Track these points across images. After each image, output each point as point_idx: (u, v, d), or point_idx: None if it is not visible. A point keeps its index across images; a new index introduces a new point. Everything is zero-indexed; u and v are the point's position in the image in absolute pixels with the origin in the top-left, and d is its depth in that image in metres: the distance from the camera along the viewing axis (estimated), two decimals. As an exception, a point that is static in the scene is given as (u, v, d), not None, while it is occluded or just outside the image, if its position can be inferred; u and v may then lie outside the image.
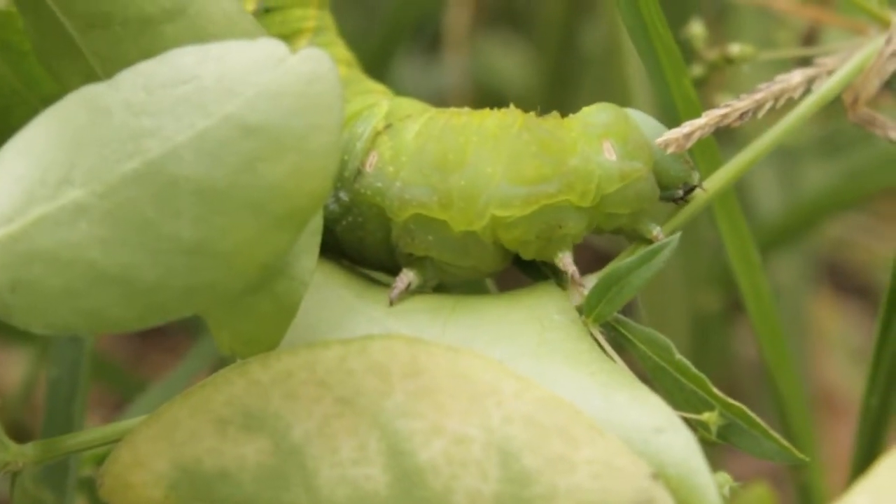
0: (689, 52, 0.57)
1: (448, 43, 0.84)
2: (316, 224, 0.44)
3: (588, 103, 0.87)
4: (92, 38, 0.44)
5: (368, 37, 0.83)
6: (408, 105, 0.49)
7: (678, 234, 0.46)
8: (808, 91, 0.48)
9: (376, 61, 0.81)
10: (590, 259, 0.50)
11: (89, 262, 0.39)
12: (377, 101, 0.49)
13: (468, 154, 0.46)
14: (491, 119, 0.47)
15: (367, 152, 0.48)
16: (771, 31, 0.69)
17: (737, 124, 0.47)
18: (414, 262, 0.48)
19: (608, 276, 0.46)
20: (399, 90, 0.88)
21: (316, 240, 0.44)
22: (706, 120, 0.47)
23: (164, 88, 0.41)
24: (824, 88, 0.48)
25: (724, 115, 0.47)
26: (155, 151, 0.40)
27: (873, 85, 0.48)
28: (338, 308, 0.46)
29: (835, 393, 0.92)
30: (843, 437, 0.75)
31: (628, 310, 0.47)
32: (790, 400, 0.56)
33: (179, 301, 0.40)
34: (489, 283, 0.51)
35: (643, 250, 0.46)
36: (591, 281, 0.46)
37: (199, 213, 0.40)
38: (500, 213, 0.46)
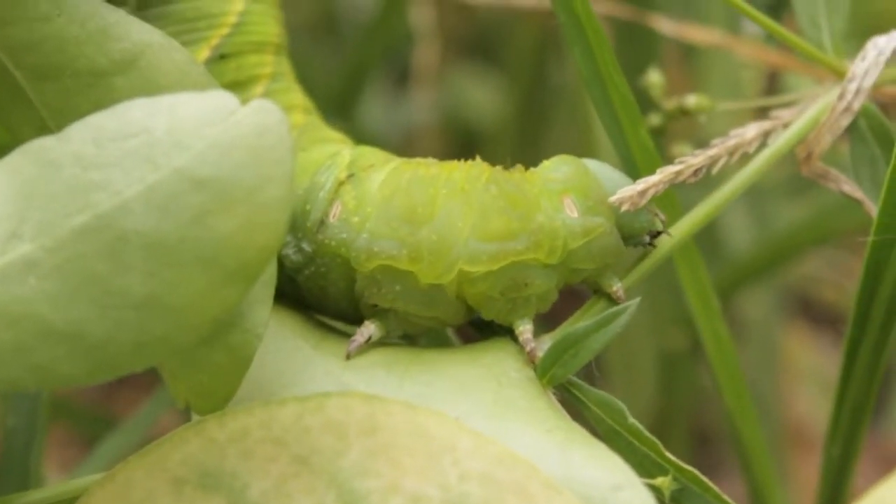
0: (648, 100, 0.57)
1: (416, 80, 0.83)
2: (269, 275, 0.44)
3: (559, 136, 0.88)
4: (43, 89, 0.44)
5: (336, 73, 0.83)
6: (370, 154, 0.49)
7: (637, 300, 0.46)
8: (763, 144, 0.48)
9: (344, 98, 0.81)
10: (563, 294, 0.49)
11: (38, 317, 0.39)
12: (338, 150, 0.49)
13: (437, 207, 0.46)
14: (458, 171, 0.47)
15: (330, 202, 0.47)
16: (737, 71, 0.69)
17: (692, 180, 0.47)
18: (377, 312, 0.47)
19: (564, 339, 0.46)
20: (367, 126, 0.88)
21: (269, 291, 0.44)
22: (660, 177, 0.47)
23: (113, 142, 0.40)
24: (778, 144, 0.49)
25: (679, 172, 0.47)
26: (104, 205, 0.40)
27: (826, 141, 0.48)
28: (294, 361, 0.46)
29: (806, 426, 0.92)
30: (813, 470, 0.75)
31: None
32: (752, 445, 0.56)
33: (130, 356, 0.40)
34: (449, 332, 0.51)
35: (601, 314, 0.46)
36: (547, 342, 0.46)
37: (149, 268, 0.39)
38: (468, 268, 0.46)
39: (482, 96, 0.98)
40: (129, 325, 0.39)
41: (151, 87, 0.44)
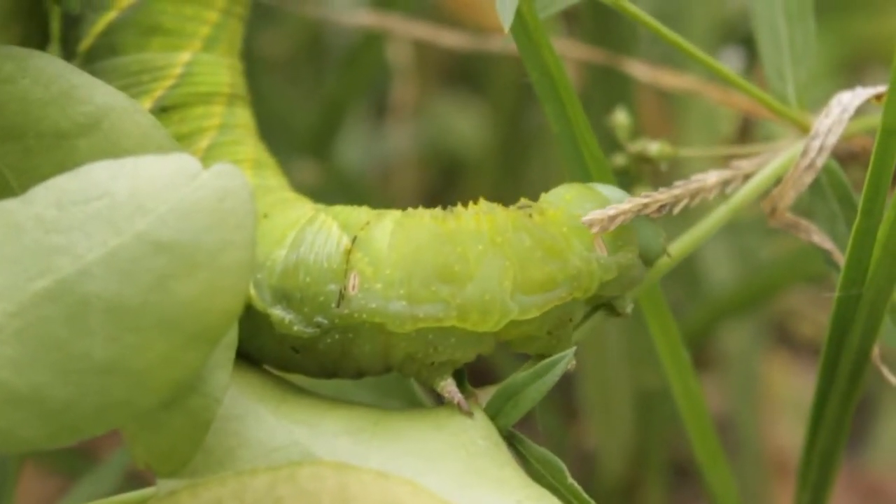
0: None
1: (394, 113, 0.83)
2: (230, 338, 0.44)
3: (541, 165, 0.88)
4: (5, 150, 0.44)
5: (314, 108, 0.83)
6: (352, 212, 0.48)
7: (573, 349, 0.46)
8: (722, 192, 0.49)
9: (322, 133, 0.81)
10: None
11: (0, 381, 0.39)
12: (304, 213, 0.48)
13: (474, 264, 0.46)
14: (479, 222, 0.46)
15: (343, 273, 0.46)
16: (714, 111, 0.69)
17: (656, 215, 0.48)
18: (425, 365, 0.47)
19: (503, 390, 0.46)
20: (345, 160, 0.88)
21: (230, 354, 0.44)
22: (629, 206, 0.47)
23: (76, 205, 0.40)
24: (739, 196, 0.49)
25: (645, 205, 0.47)
26: (66, 269, 0.40)
27: (790, 196, 0.48)
28: (257, 428, 0.45)
29: (786, 455, 0.92)
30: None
31: (569, 386, 0.46)
32: (723, 497, 0.56)
33: (92, 420, 0.40)
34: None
35: (538, 365, 0.46)
36: (489, 393, 0.46)
37: (111, 332, 0.39)
38: (519, 318, 0.46)
39: (463, 125, 0.98)
40: (91, 389, 0.39)
41: (115, 150, 0.44)
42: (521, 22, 0.49)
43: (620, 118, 0.56)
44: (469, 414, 0.46)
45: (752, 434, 0.84)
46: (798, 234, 0.50)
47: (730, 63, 0.69)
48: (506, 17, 0.46)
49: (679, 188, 0.48)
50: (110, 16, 0.49)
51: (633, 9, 0.48)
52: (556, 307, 0.46)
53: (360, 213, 0.47)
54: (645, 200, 0.47)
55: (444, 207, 0.48)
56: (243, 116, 0.51)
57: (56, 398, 0.39)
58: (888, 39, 0.98)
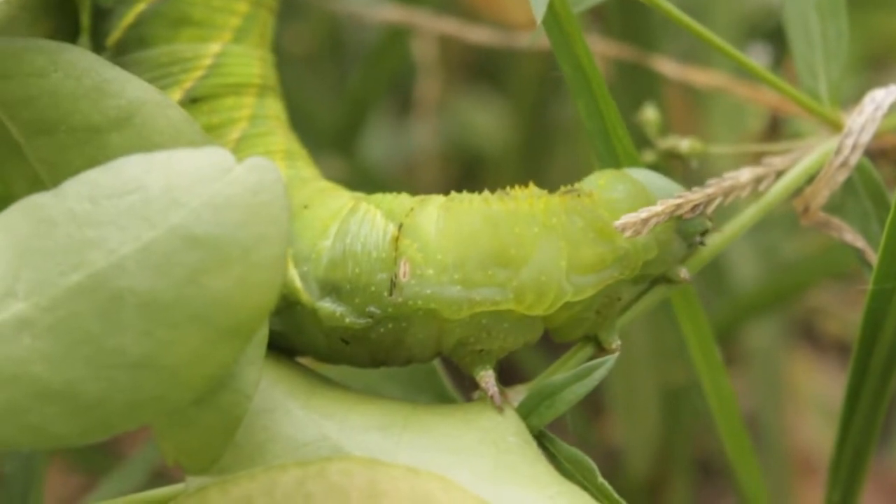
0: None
1: (418, 109, 0.83)
2: (261, 335, 0.44)
3: (563, 161, 0.87)
4: (38, 144, 0.44)
5: (339, 103, 0.83)
6: (393, 199, 0.48)
7: (616, 355, 0.46)
8: (754, 189, 0.48)
9: (346, 128, 0.81)
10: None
11: (33, 377, 0.39)
12: (345, 203, 0.48)
13: (529, 247, 0.46)
14: (530, 205, 0.46)
15: (393, 261, 0.46)
16: (742, 107, 0.69)
17: (689, 215, 0.47)
18: (474, 353, 0.47)
19: (540, 390, 0.46)
20: (369, 156, 0.88)
21: (260, 351, 0.44)
22: (662, 208, 0.47)
23: (109, 199, 0.40)
24: (771, 194, 0.49)
25: (678, 206, 0.47)
26: (99, 264, 0.39)
27: (823, 195, 0.48)
28: (288, 424, 0.45)
29: (811, 453, 0.91)
30: (819, 497, 0.75)
31: (598, 387, 0.46)
32: (753, 495, 0.55)
33: (124, 415, 0.40)
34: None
35: (580, 366, 0.46)
36: (522, 392, 0.46)
37: (144, 327, 0.39)
38: (574, 299, 0.46)
39: (486, 121, 0.98)
40: (124, 384, 0.39)
41: (147, 144, 0.44)
42: (554, 15, 0.48)
43: (650, 114, 0.56)
44: (500, 409, 0.45)
45: (777, 432, 0.84)
46: (830, 232, 0.49)
47: (758, 58, 0.68)
48: (538, 10, 0.45)
49: (712, 187, 0.48)
50: (139, 7, 0.49)
51: (666, 5, 0.48)
52: (606, 286, 0.46)
53: (403, 200, 0.47)
54: (678, 201, 0.47)
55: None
56: (274, 108, 0.51)
57: (89, 393, 0.39)
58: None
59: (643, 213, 0.46)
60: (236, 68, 0.50)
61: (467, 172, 0.97)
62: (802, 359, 0.95)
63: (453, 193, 0.47)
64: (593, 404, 0.83)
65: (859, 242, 0.49)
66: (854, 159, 0.48)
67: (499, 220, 0.46)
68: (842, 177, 0.48)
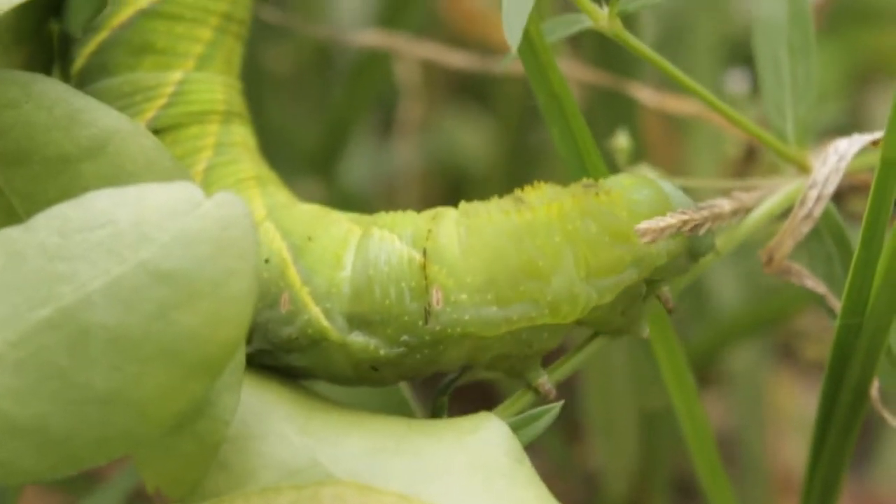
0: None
1: (400, 129, 0.83)
2: (238, 361, 0.44)
3: (549, 179, 0.87)
4: (11, 174, 0.44)
5: (320, 123, 0.83)
6: (405, 221, 0.47)
7: (560, 403, 0.46)
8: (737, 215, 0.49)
9: (327, 148, 0.81)
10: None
11: (1, 412, 0.39)
12: (349, 228, 0.47)
13: (554, 257, 0.45)
14: (545, 212, 0.46)
15: (422, 290, 0.45)
16: (721, 134, 0.69)
17: (688, 234, 0.47)
18: (521, 360, 0.47)
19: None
20: (350, 175, 0.88)
21: (238, 377, 0.44)
22: (675, 221, 0.46)
23: (79, 233, 0.40)
24: (733, 234, 0.49)
25: (685, 221, 0.47)
26: (68, 298, 0.39)
27: (787, 246, 0.48)
28: (280, 449, 0.45)
29: (793, 472, 0.92)
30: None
31: (574, 405, 0.46)
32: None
33: (93, 450, 0.40)
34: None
35: (525, 413, 0.46)
36: (492, 418, 0.46)
37: (113, 362, 0.39)
38: (599, 302, 0.46)
39: (469, 140, 0.98)
40: (92, 419, 0.39)
41: (119, 173, 0.44)
42: (530, 43, 0.48)
43: (621, 141, 0.56)
44: (558, 401, 0.46)
45: (758, 451, 0.84)
46: (792, 279, 0.50)
47: (737, 82, 0.68)
48: (513, 38, 0.45)
49: (705, 209, 0.48)
50: (102, 35, 0.49)
51: (635, 41, 0.48)
52: (627, 287, 0.46)
53: (417, 221, 0.47)
54: (685, 217, 0.47)
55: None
56: (240, 133, 0.50)
57: (57, 428, 0.39)
58: (896, 53, 0.98)
59: (662, 223, 0.46)
60: (199, 95, 0.49)
61: (450, 192, 0.97)
62: (783, 378, 0.95)
63: (465, 205, 0.47)
64: (571, 427, 0.83)
65: (820, 289, 0.50)
66: (818, 210, 0.48)
67: (521, 233, 0.45)
68: (806, 228, 0.48)
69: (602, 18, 0.48)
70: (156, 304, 0.39)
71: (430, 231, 0.46)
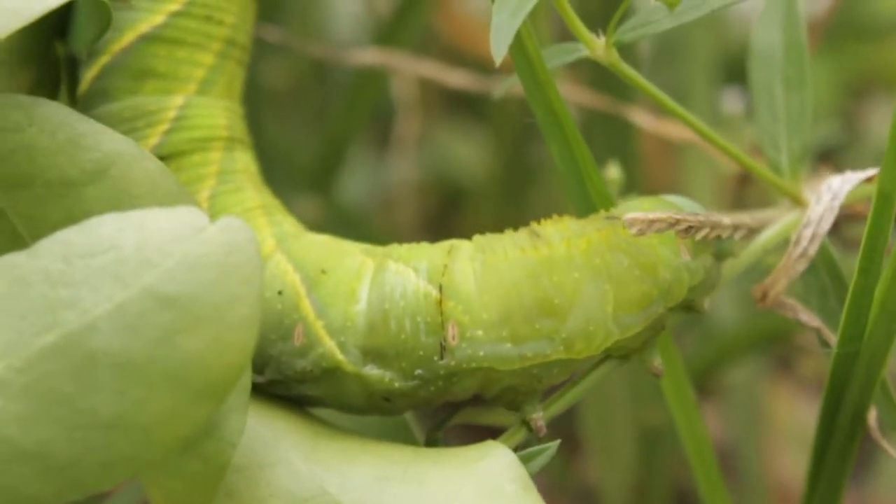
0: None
1: (397, 147, 0.83)
2: (244, 382, 0.44)
3: (545, 191, 0.87)
4: (15, 198, 0.44)
5: (318, 140, 0.83)
6: (420, 254, 0.47)
7: (557, 443, 0.46)
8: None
9: (324, 163, 0.81)
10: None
11: (6, 438, 0.39)
12: (363, 260, 0.47)
13: (571, 293, 0.45)
14: (567, 246, 0.46)
15: (437, 326, 0.45)
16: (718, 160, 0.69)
17: (683, 235, 0.47)
18: (524, 394, 0.47)
19: None
20: (347, 189, 0.88)
21: (244, 398, 0.44)
22: (664, 216, 0.46)
23: (82, 258, 0.40)
24: (733, 264, 0.49)
25: (677, 220, 0.47)
26: (72, 324, 0.39)
27: (782, 284, 0.49)
28: (287, 476, 0.45)
29: (791, 485, 0.92)
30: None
31: (572, 420, 0.46)
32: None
33: (98, 475, 0.40)
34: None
35: (523, 451, 0.46)
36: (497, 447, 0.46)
37: (117, 387, 0.39)
38: (621, 337, 0.46)
39: (467, 154, 0.98)
40: (97, 444, 0.39)
41: (123, 197, 0.44)
42: (527, 61, 0.48)
43: (612, 172, 0.56)
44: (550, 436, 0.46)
45: (757, 464, 0.84)
46: (786, 313, 0.50)
47: (733, 101, 0.69)
48: (498, 52, 0.45)
49: (702, 216, 0.48)
50: (103, 60, 0.49)
51: (630, 71, 0.48)
52: (653, 321, 0.46)
53: (433, 255, 0.47)
54: (678, 216, 0.47)
55: (518, 228, 0.47)
56: (243, 161, 0.50)
57: (61, 454, 0.39)
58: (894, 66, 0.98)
59: (651, 216, 0.46)
60: (201, 120, 0.49)
61: (447, 206, 0.97)
62: (782, 391, 0.95)
63: (480, 239, 0.47)
64: (570, 442, 0.83)
65: (814, 323, 0.50)
66: (813, 249, 0.49)
67: (538, 270, 0.45)
68: (801, 266, 0.48)
69: (598, 48, 0.48)
70: (160, 329, 0.39)
71: (445, 266, 0.46)
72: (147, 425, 0.39)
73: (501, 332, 0.45)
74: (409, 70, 0.72)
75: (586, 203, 0.50)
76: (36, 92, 0.49)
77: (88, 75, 0.49)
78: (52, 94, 0.50)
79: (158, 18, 0.49)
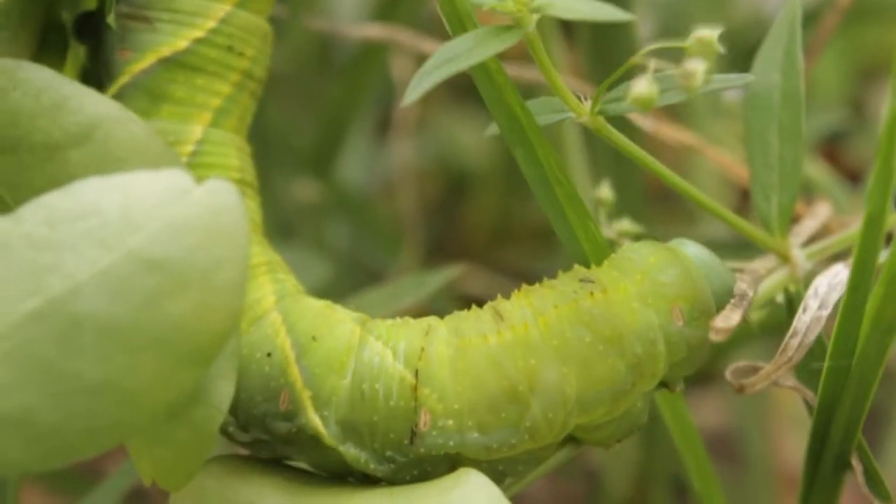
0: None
1: (398, 130, 0.83)
2: (233, 347, 0.43)
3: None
4: (-1, 163, 0.44)
5: (317, 122, 0.83)
6: (399, 333, 0.46)
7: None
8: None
9: (324, 147, 0.80)
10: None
11: (-13, 404, 0.39)
12: (351, 330, 0.46)
13: (535, 377, 0.44)
14: (526, 328, 0.45)
15: (410, 411, 0.45)
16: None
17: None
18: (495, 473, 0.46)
19: None
20: (349, 174, 0.87)
21: (232, 364, 0.43)
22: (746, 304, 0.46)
23: (65, 223, 0.40)
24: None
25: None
26: (56, 289, 0.39)
27: (764, 384, 0.48)
28: None
29: (795, 469, 0.91)
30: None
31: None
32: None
33: (84, 441, 0.39)
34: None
35: None
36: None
37: (102, 352, 0.39)
38: (583, 420, 0.45)
39: (468, 138, 0.97)
40: (82, 410, 0.39)
41: (108, 160, 0.43)
42: (485, 69, 0.47)
43: (604, 193, 0.55)
44: None
45: (761, 448, 0.84)
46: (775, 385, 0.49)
47: (734, 91, 0.68)
48: (408, 99, 0.45)
49: (748, 280, 0.47)
50: (123, 80, 0.48)
51: (619, 136, 0.47)
52: (620, 396, 0.45)
53: (411, 336, 0.46)
54: (746, 302, 0.46)
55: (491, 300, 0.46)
56: (251, 209, 0.49)
57: (46, 420, 0.38)
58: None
59: (732, 319, 0.45)
60: (216, 158, 0.48)
61: (450, 191, 0.97)
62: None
63: (452, 319, 0.46)
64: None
65: (805, 393, 0.49)
66: (798, 357, 0.48)
67: (500, 357, 0.45)
68: (785, 371, 0.48)
69: (584, 114, 0.46)
70: (145, 293, 0.39)
71: (422, 350, 0.45)
72: (133, 390, 0.39)
73: (468, 421, 0.45)
74: (411, 46, 0.71)
75: (554, 206, 0.48)
76: (42, 58, 0.48)
77: (107, 94, 0.48)
78: (59, 61, 0.49)
79: (181, 44, 0.48)
